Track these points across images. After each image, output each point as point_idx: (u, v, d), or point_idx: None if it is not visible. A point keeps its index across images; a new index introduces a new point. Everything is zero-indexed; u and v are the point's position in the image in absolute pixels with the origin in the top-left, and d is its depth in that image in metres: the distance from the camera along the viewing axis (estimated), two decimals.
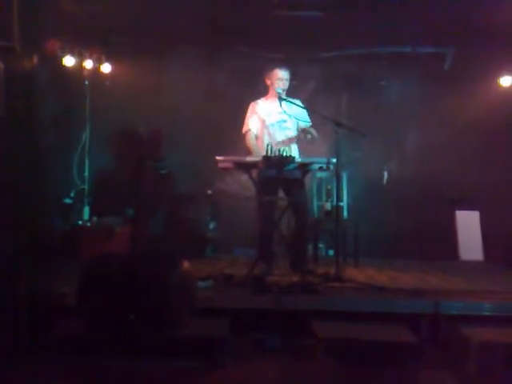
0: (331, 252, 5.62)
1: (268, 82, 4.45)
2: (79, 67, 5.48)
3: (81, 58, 5.45)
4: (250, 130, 4.46)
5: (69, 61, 5.30)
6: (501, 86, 5.90)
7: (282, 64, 4.48)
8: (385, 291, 3.61)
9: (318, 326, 3.13)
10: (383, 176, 6.02)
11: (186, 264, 3.10)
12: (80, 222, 5.29)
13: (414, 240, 5.56)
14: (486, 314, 3.24)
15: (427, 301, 3.32)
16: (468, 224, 5.90)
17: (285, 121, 4.41)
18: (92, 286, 2.98)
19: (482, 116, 5.58)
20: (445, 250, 5.65)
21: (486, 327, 3.10)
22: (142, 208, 3.74)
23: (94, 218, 5.30)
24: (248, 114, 4.51)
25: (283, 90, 4.34)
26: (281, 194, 4.37)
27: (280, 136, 4.38)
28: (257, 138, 4.46)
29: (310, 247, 5.10)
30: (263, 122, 4.42)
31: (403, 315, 3.25)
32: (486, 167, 5.70)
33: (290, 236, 4.33)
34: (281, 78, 4.35)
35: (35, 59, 4.78)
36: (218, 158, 3.92)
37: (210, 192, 5.74)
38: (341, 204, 5.09)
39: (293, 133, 4.45)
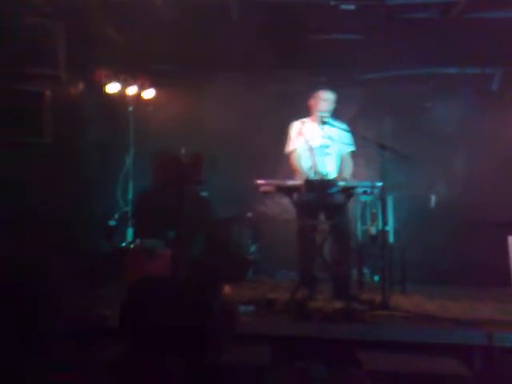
0: (376, 277, 5.45)
1: (312, 104, 4.40)
2: (123, 93, 5.62)
3: (125, 84, 5.59)
4: (295, 149, 4.40)
5: (113, 87, 5.45)
6: None
7: (326, 86, 4.44)
8: (434, 320, 3.44)
9: (364, 356, 3.00)
10: (431, 199, 5.83)
11: (227, 288, 3.06)
12: (124, 244, 5.37)
13: (464, 266, 5.33)
14: None
15: (480, 331, 3.14)
16: None
17: (328, 146, 4.35)
18: (134, 309, 2.96)
19: None
20: (497, 276, 5.38)
21: None
22: (183, 230, 3.75)
23: (137, 240, 5.36)
24: (292, 133, 4.45)
25: (327, 113, 4.28)
26: (323, 218, 4.29)
27: (321, 161, 4.30)
28: (299, 157, 4.41)
29: (355, 272, 4.97)
30: (306, 142, 4.37)
31: (455, 346, 3.09)
32: None
33: (332, 261, 4.22)
34: (326, 98, 4.31)
35: (81, 86, 4.94)
36: (259, 181, 3.88)
37: (250, 215, 5.72)
38: (386, 228, 4.94)
39: (334, 159, 4.37)
